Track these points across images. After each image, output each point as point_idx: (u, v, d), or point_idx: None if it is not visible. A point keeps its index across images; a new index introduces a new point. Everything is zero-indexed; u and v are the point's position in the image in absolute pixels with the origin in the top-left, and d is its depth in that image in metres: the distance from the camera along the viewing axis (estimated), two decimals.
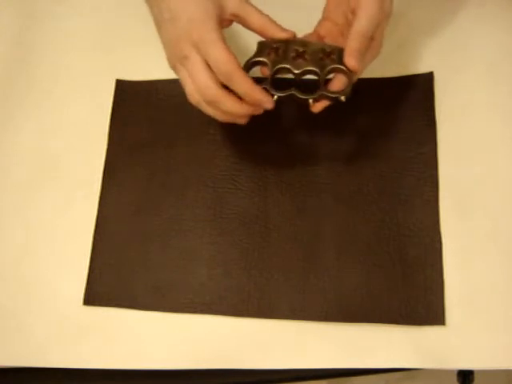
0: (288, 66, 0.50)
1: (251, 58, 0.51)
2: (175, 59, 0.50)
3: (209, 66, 0.48)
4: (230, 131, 0.59)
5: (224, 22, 0.51)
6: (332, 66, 0.50)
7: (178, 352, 0.53)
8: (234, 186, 0.57)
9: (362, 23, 0.49)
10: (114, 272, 0.56)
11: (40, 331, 0.55)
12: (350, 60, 0.48)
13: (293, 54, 0.50)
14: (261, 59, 0.50)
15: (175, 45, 0.49)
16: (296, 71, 0.50)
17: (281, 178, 0.57)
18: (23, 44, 0.67)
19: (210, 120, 0.55)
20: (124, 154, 0.60)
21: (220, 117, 0.51)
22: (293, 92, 0.49)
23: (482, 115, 0.57)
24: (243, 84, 0.48)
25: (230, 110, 0.49)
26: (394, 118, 0.58)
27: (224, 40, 0.47)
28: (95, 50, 0.66)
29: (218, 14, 0.49)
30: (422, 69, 0.60)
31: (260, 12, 0.51)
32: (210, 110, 0.50)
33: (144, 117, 0.62)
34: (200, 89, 0.48)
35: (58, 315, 0.55)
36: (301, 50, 0.50)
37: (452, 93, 0.59)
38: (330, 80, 0.51)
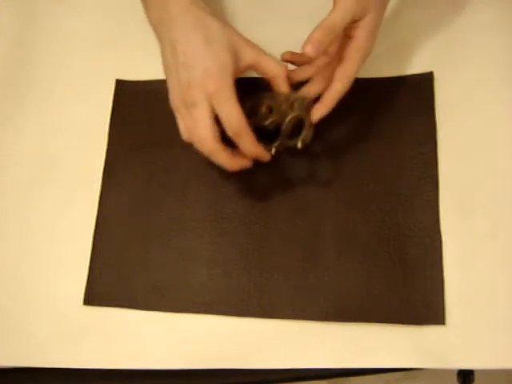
0: (261, 121, 0.53)
1: None
2: (181, 102, 0.50)
3: (214, 119, 0.49)
4: None
5: (239, 72, 0.51)
6: (292, 115, 0.52)
7: (178, 352, 0.53)
8: (234, 186, 0.57)
9: (331, 15, 0.50)
10: (114, 272, 0.56)
11: (40, 331, 0.55)
12: (306, 46, 0.49)
13: (265, 110, 0.53)
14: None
15: (186, 90, 0.49)
16: (265, 123, 0.53)
17: (281, 177, 0.57)
18: (23, 44, 0.67)
19: None
20: (124, 154, 0.60)
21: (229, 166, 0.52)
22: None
23: (482, 115, 0.57)
24: (249, 141, 0.50)
25: (222, 163, 0.51)
26: (394, 117, 0.58)
27: (236, 96, 0.49)
28: (95, 50, 0.66)
29: (234, 67, 0.50)
30: (421, 68, 0.60)
31: (277, 60, 0.52)
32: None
33: (144, 117, 0.62)
34: (199, 139, 0.49)
35: (58, 315, 0.55)
36: (270, 103, 0.53)
37: (452, 92, 0.58)
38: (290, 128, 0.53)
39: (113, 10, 0.67)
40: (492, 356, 0.50)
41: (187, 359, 0.53)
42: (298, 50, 0.52)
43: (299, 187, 0.57)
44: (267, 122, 0.53)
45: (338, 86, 0.52)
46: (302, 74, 0.55)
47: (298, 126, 0.53)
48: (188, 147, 0.59)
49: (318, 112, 0.53)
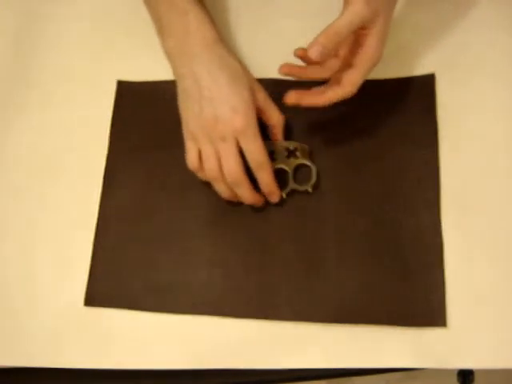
0: None
1: None
2: (203, 134, 0.52)
3: (239, 153, 0.51)
4: None
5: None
6: (297, 163, 0.56)
7: (179, 352, 0.53)
8: None
9: (339, 19, 0.49)
10: (115, 273, 0.56)
11: (40, 331, 0.55)
12: (311, 49, 0.49)
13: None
14: None
15: (212, 124, 0.51)
16: None
17: (282, 180, 0.57)
18: (24, 45, 0.67)
19: None
20: (125, 155, 0.60)
21: (226, 194, 0.55)
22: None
23: (484, 116, 0.57)
24: (269, 175, 0.53)
25: (244, 194, 0.53)
26: (396, 118, 0.58)
27: (259, 132, 0.52)
28: (97, 51, 0.66)
29: (254, 104, 0.52)
30: (423, 70, 0.60)
31: (279, 111, 0.55)
32: (220, 187, 0.54)
33: (145, 118, 0.62)
34: (229, 171, 0.52)
35: (59, 316, 0.55)
36: (268, 150, 0.54)
37: (453, 94, 0.59)
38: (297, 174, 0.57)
39: (114, 11, 0.67)
40: (492, 356, 0.50)
41: (187, 359, 0.53)
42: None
43: (300, 189, 0.57)
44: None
45: (340, 92, 0.52)
46: (312, 74, 0.55)
47: (303, 171, 0.57)
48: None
49: (311, 99, 0.53)
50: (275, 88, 0.57)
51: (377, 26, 0.50)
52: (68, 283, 0.56)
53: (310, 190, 0.56)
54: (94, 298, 0.55)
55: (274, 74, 0.56)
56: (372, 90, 0.58)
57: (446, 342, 0.51)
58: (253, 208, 0.56)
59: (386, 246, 0.54)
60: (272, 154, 0.56)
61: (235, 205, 0.56)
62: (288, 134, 0.58)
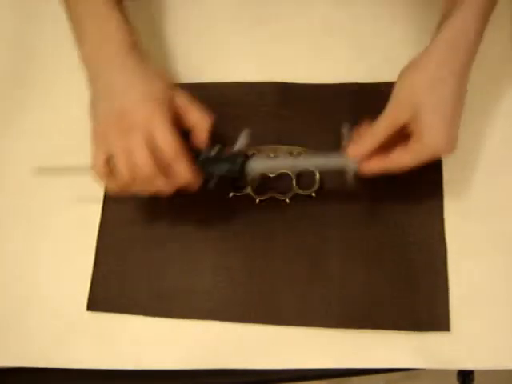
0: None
1: None
2: (112, 130, 0.49)
3: (150, 144, 0.48)
4: (238, 134, 0.59)
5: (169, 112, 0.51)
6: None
7: (179, 352, 0.53)
8: (238, 193, 0.57)
9: (376, 123, 0.49)
10: (117, 278, 0.56)
11: (41, 332, 0.55)
12: (350, 151, 0.50)
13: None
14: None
15: (120, 116, 0.49)
16: (271, 175, 0.57)
17: (286, 185, 0.57)
18: (23, 44, 0.67)
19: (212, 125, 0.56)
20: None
21: (143, 193, 0.53)
22: (272, 195, 0.56)
23: (485, 118, 0.57)
24: (185, 164, 0.49)
25: (161, 187, 0.50)
26: None
27: (171, 124, 0.49)
28: None
29: (168, 99, 0.51)
30: None
31: (202, 113, 0.53)
32: (137, 187, 0.51)
33: None
34: (139, 164, 0.48)
35: (61, 319, 0.55)
36: (272, 155, 0.56)
37: None
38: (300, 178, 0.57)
39: None
40: (492, 356, 0.50)
41: (187, 359, 0.53)
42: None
43: (304, 194, 0.56)
44: (274, 175, 0.56)
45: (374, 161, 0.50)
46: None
47: (306, 176, 0.57)
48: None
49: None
50: (280, 92, 0.57)
51: (422, 120, 0.47)
52: (71, 288, 0.56)
53: (313, 194, 0.56)
54: (97, 303, 0.55)
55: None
56: (374, 92, 0.58)
57: (446, 343, 0.51)
58: (256, 212, 0.56)
59: (390, 252, 0.54)
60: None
61: (239, 209, 0.56)
62: (291, 138, 0.58)
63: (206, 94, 0.61)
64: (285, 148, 0.57)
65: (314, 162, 0.53)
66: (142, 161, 0.48)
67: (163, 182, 0.50)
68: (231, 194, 0.57)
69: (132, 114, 0.49)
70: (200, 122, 0.53)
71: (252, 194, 0.56)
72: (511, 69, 0.59)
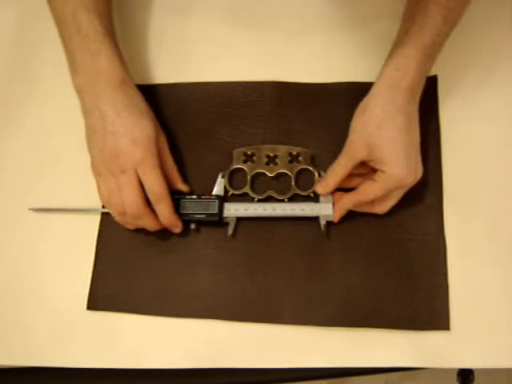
0: (263, 171, 0.57)
1: (231, 166, 0.58)
2: (105, 168, 0.53)
3: (140, 185, 0.52)
4: (235, 135, 0.60)
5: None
6: (300, 167, 0.57)
7: (179, 351, 0.53)
8: (237, 191, 0.57)
9: (337, 160, 0.53)
10: (118, 277, 0.56)
11: (41, 332, 0.55)
12: (316, 187, 0.54)
13: (265, 160, 0.57)
14: (240, 166, 0.58)
15: (113, 157, 0.52)
16: (270, 175, 0.57)
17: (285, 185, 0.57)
18: (24, 44, 0.67)
19: (213, 125, 0.58)
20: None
21: (130, 227, 0.56)
22: (270, 194, 0.56)
23: (486, 118, 0.57)
24: (168, 207, 0.53)
25: (148, 224, 0.54)
26: None
27: (160, 167, 0.53)
28: None
29: (156, 140, 0.53)
30: None
31: (173, 162, 0.56)
32: (125, 220, 0.55)
33: None
34: (129, 202, 0.52)
35: (61, 319, 0.55)
36: (271, 155, 0.57)
37: (455, 96, 0.58)
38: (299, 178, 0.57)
39: (113, 12, 0.67)
40: (492, 355, 0.50)
41: (187, 359, 0.53)
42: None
43: (303, 194, 0.56)
44: (273, 174, 0.57)
45: (344, 198, 0.54)
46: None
47: (305, 176, 0.57)
48: (189, 149, 0.59)
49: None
50: (280, 91, 0.57)
51: (379, 158, 0.50)
52: (71, 287, 0.56)
53: (311, 194, 0.56)
54: (97, 302, 0.55)
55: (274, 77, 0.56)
56: None
57: (446, 342, 0.51)
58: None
59: (390, 251, 0.54)
60: (275, 159, 0.57)
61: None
62: (291, 138, 0.58)
63: (206, 93, 0.61)
64: (284, 148, 0.57)
65: (290, 212, 0.55)
66: (131, 200, 0.52)
67: (149, 220, 0.53)
68: (230, 193, 0.57)
69: (124, 156, 0.52)
70: (173, 167, 0.56)
71: (251, 193, 0.56)
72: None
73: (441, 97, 0.58)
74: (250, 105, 0.60)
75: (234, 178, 0.57)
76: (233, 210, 0.55)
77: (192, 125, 0.60)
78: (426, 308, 0.51)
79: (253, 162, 0.57)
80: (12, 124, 0.63)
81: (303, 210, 0.54)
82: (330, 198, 0.54)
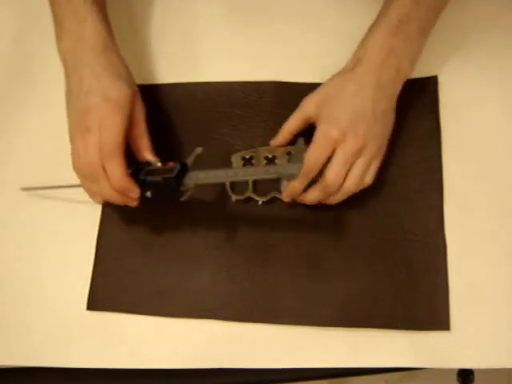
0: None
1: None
2: (76, 130, 0.52)
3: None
4: (235, 135, 0.60)
5: (128, 119, 0.52)
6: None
7: (179, 351, 0.53)
8: (240, 196, 0.57)
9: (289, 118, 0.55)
10: (117, 277, 0.56)
11: (41, 332, 0.55)
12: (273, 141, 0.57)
13: (264, 161, 0.57)
14: None
15: (83, 114, 0.51)
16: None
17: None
18: (24, 44, 0.67)
19: (213, 125, 0.58)
20: (126, 156, 0.60)
21: (98, 199, 0.55)
22: (274, 195, 0.56)
23: (487, 119, 0.57)
24: (119, 167, 0.50)
25: (104, 190, 0.52)
26: (398, 122, 0.57)
27: (125, 127, 0.51)
28: None
29: (130, 106, 0.52)
30: (426, 72, 0.60)
31: (146, 131, 0.54)
32: (87, 186, 0.54)
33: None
34: (87, 161, 0.51)
35: (61, 319, 0.55)
36: (270, 156, 0.57)
37: (456, 96, 0.58)
38: None
39: (113, 12, 0.67)
40: (492, 355, 0.50)
41: (187, 359, 0.53)
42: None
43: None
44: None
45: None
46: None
47: None
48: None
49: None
50: (279, 91, 0.58)
51: (317, 130, 0.52)
52: (71, 287, 0.56)
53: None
54: (97, 302, 0.55)
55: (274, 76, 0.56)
56: None
57: (446, 342, 0.51)
58: (256, 212, 0.56)
59: (390, 251, 0.54)
60: (274, 159, 0.57)
61: (239, 209, 0.56)
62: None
63: (206, 93, 0.61)
64: (281, 148, 0.57)
65: (252, 175, 0.53)
66: (89, 158, 0.50)
67: (104, 184, 0.51)
68: (234, 199, 0.56)
69: (91, 114, 0.51)
70: (141, 140, 0.54)
71: (254, 196, 0.56)
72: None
73: (441, 97, 0.58)
74: (250, 105, 0.60)
75: (235, 183, 0.57)
76: (193, 177, 0.52)
77: (192, 125, 0.60)
78: (426, 308, 0.51)
79: (252, 164, 0.57)
80: (12, 124, 0.63)
81: (267, 171, 0.51)
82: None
